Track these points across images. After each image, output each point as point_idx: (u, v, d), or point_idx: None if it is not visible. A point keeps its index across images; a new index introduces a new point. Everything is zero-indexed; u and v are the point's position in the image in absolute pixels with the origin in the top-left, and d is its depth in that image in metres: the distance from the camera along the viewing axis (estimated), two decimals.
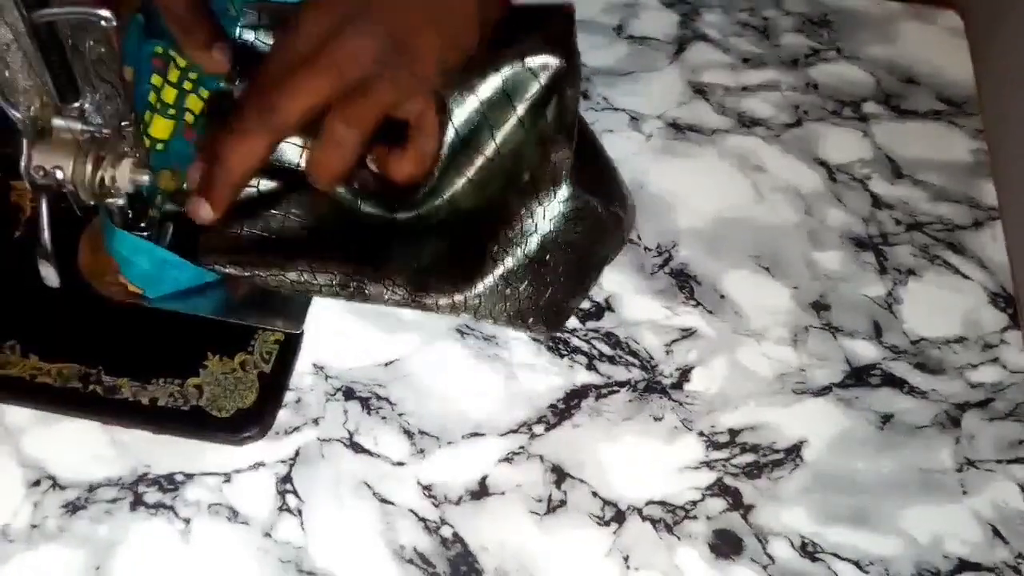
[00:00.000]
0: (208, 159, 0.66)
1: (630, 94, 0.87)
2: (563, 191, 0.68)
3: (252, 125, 0.63)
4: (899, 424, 0.73)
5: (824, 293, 0.78)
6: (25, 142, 0.58)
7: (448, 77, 0.69)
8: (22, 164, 0.58)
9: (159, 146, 0.71)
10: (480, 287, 0.69)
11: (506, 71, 0.70)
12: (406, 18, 0.67)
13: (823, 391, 0.74)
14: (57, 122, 0.59)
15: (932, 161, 0.86)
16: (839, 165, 0.85)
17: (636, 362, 0.74)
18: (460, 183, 0.72)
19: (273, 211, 0.71)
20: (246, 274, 0.68)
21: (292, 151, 0.71)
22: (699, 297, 0.77)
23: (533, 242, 0.69)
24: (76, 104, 0.58)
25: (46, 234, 0.61)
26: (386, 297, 0.69)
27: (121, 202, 0.64)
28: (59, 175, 0.58)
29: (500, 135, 0.71)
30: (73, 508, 0.65)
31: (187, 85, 0.72)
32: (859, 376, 0.74)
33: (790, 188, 0.83)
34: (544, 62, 0.70)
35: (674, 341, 0.75)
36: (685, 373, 0.74)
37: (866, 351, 0.76)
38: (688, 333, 0.75)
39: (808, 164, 0.85)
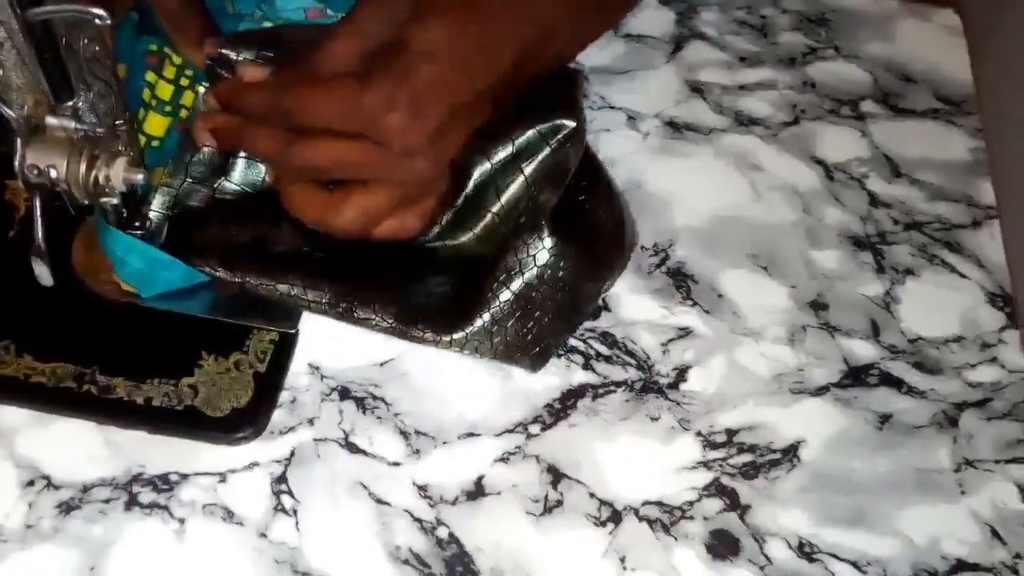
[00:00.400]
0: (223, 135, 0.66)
1: (627, 92, 0.87)
2: (546, 230, 0.69)
3: (279, 147, 0.61)
4: (897, 424, 0.73)
5: (822, 292, 0.78)
6: (19, 141, 0.58)
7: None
8: (16, 163, 0.58)
9: (154, 143, 0.71)
10: (470, 330, 0.69)
11: (518, 138, 0.70)
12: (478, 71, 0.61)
13: (821, 391, 0.73)
14: (51, 121, 0.58)
15: (930, 160, 0.86)
16: (837, 164, 0.85)
17: (633, 362, 0.73)
18: (465, 237, 0.72)
19: (270, 218, 0.70)
20: (236, 280, 0.68)
21: None
22: (696, 296, 0.77)
23: (518, 281, 0.69)
24: (70, 103, 0.58)
25: (40, 233, 0.61)
26: (374, 323, 0.69)
27: (115, 201, 0.63)
28: (53, 174, 0.58)
29: (506, 196, 0.70)
30: (67, 508, 0.65)
31: (183, 81, 0.72)
32: (857, 376, 0.74)
33: (787, 187, 0.83)
34: (555, 127, 0.69)
35: (671, 340, 0.75)
36: (682, 373, 0.73)
37: (864, 351, 0.75)
38: (685, 332, 0.75)
39: (806, 163, 0.84)
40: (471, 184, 0.71)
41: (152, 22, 0.74)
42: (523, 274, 0.69)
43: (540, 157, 0.70)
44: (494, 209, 0.71)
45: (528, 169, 0.70)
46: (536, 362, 0.71)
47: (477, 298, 0.70)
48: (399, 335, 0.70)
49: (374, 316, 0.69)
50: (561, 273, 0.70)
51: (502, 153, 0.70)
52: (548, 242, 0.69)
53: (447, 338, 0.69)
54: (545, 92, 0.73)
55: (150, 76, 0.71)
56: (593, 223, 0.73)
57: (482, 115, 0.64)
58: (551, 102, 0.72)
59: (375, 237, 0.67)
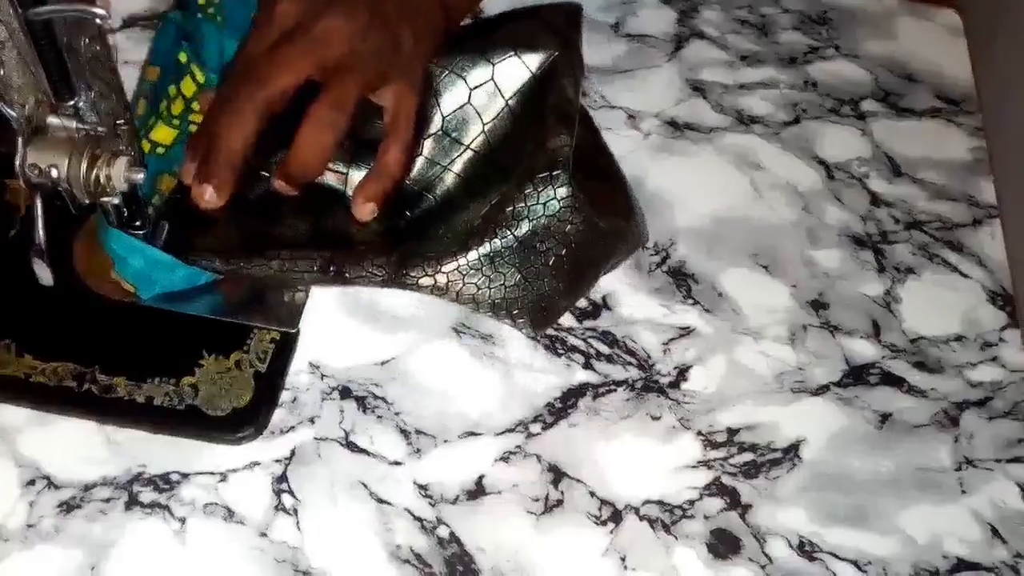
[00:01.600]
0: (199, 146, 0.68)
1: (628, 92, 0.87)
2: (560, 179, 0.67)
3: (240, 101, 0.67)
4: (898, 423, 0.73)
5: (823, 291, 0.78)
6: (20, 140, 0.58)
7: (425, 59, 0.72)
8: (17, 162, 0.58)
9: (159, 149, 0.72)
10: (463, 260, 0.68)
11: (497, 59, 0.70)
12: (380, 3, 0.70)
13: (821, 390, 0.73)
14: (52, 120, 0.58)
15: (931, 159, 0.86)
16: (838, 163, 0.85)
17: (633, 361, 0.73)
18: (450, 180, 0.72)
19: (267, 217, 0.71)
20: (230, 266, 0.69)
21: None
22: (697, 295, 0.77)
23: (524, 226, 0.68)
24: (71, 102, 0.58)
25: (41, 233, 0.61)
26: (366, 274, 0.68)
27: (116, 200, 0.63)
28: (54, 173, 0.58)
29: (490, 126, 0.71)
30: (68, 508, 0.65)
31: (195, 105, 0.73)
32: (858, 375, 0.74)
33: (788, 186, 0.83)
34: (535, 52, 0.70)
35: (672, 340, 0.75)
36: (683, 372, 0.73)
37: (865, 350, 0.75)
38: (686, 332, 0.75)
39: (806, 162, 0.84)
40: (450, 110, 0.71)
41: (193, 23, 0.74)
42: (529, 220, 0.67)
43: (522, 85, 0.70)
44: (477, 146, 0.71)
45: (512, 99, 0.70)
46: (538, 321, 0.70)
47: (475, 232, 0.68)
48: (394, 283, 0.68)
49: (364, 272, 0.68)
50: (569, 228, 0.68)
51: (480, 76, 0.70)
52: (562, 191, 0.67)
53: (442, 275, 0.68)
54: (534, 20, 0.74)
55: (172, 89, 0.72)
56: (605, 198, 0.72)
57: None
58: (538, 29, 0.72)
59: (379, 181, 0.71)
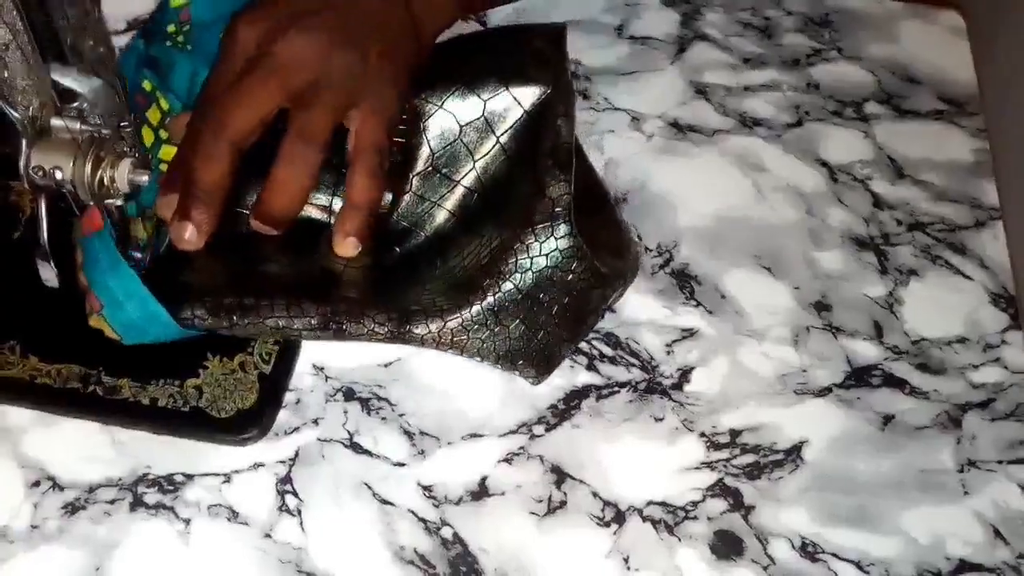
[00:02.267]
0: (174, 180, 0.66)
1: (631, 94, 0.87)
2: (562, 228, 0.67)
3: (211, 140, 0.64)
4: (900, 424, 0.73)
5: (825, 293, 0.78)
6: (24, 142, 0.58)
7: (395, 78, 0.69)
8: (21, 164, 0.58)
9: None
10: (467, 315, 0.66)
11: (487, 95, 0.69)
12: (344, 19, 0.67)
13: (824, 391, 0.74)
14: (56, 122, 0.59)
15: (933, 161, 0.86)
16: (840, 165, 0.85)
17: (636, 362, 0.73)
18: (441, 217, 0.71)
19: (249, 254, 0.70)
20: (224, 324, 0.66)
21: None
22: (700, 297, 0.77)
23: (528, 278, 0.67)
24: (75, 104, 0.58)
25: (45, 234, 0.61)
26: (367, 331, 0.66)
27: (120, 202, 0.64)
28: (58, 175, 0.58)
29: (481, 163, 0.70)
30: (73, 509, 0.65)
31: (163, 134, 0.71)
32: (860, 376, 0.74)
33: (791, 188, 0.83)
34: (527, 88, 0.69)
35: (675, 341, 0.75)
36: (686, 373, 0.73)
37: (867, 351, 0.76)
38: (689, 333, 0.75)
39: (809, 164, 0.84)
40: (439, 144, 0.69)
41: (158, 49, 0.73)
42: (531, 271, 0.67)
43: (515, 123, 0.69)
44: (468, 183, 0.70)
45: (503, 136, 0.69)
46: (541, 371, 0.70)
47: (476, 285, 0.67)
48: (398, 339, 0.67)
49: (366, 329, 0.66)
50: (571, 277, 0.68)
51: (470, 111, 0.69)
52: (564, 242, 0.67)
53: (446, 328, 0.66)
54: (521, 47, 0.72)
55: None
56: (599, 235, 0.72)
57: None
58: (526, 61, 0.71)
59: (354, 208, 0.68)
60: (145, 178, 0.62)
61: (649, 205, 0.80)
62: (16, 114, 0.57)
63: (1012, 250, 0.81)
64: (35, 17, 0.53)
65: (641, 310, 0.75)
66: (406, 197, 0.71)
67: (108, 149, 0.60)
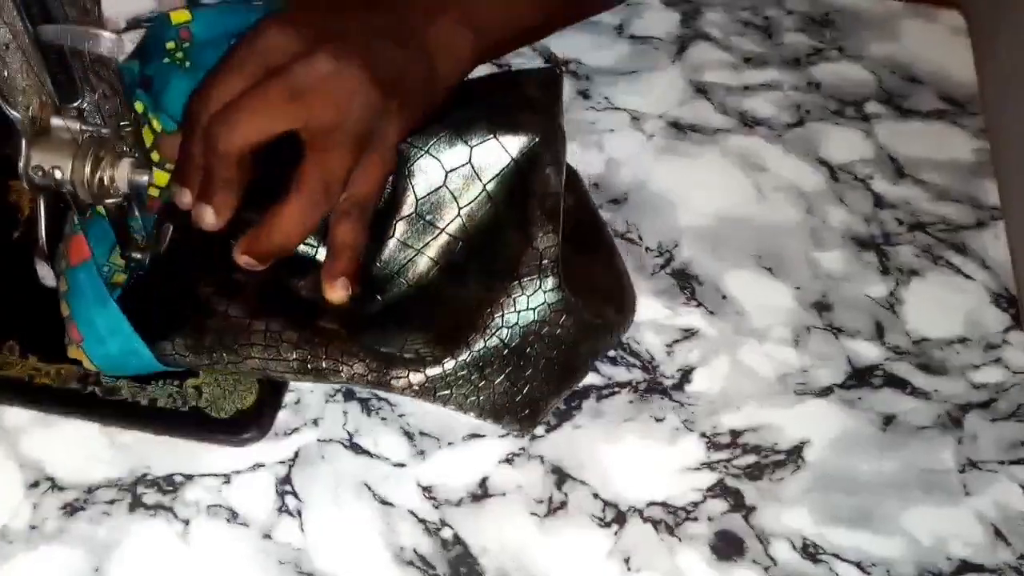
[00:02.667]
0: (187, 173, 0.65)
1: (632, 93, 0.87)
2: (549, 281, 0.65)
3: (220, 144, 0.62)
4: (901, 425, 0.72)
5: (826, 293, 0.78)
6: (24, 142, 0.58)
7: (400, 134, 0.67)
8: (21, 164, 0.58)
9: None
10: (450, 367, 0.64)
11: (475, 142, 0.68)
12: (377, 55, 0.65)
13: (825, 392, 0.73)
14: (56, 122, 0.58)
15: (934, 161, 0.86)
16: (841, 165, 0.85)
17: (637, 363, 0.73)
18: (424, 265, 0.69)
19: (233, 287, 0.68)
20: (205, 362, 0.65)
21: None
22: (700, 297, 0.77)
23: (514, 332, 0.65)
24: (75, 104, 0.58)
25: (44, 234, 0.61)
26: (346, 377, 0.64)
27: (119, 201, 0.63)
28: (58, 175, 0.58)
29: (467, 211, 0.68)
30: (72, 509, 0.65)
31: (155, 156, 0.70)
32: (861, 377, 0.74)
33: (792, 188, 0.83)
34: (515, 136, 0.67)
35: (675, 341, 0.75)
36: (686, 374, 0.73)
37: (868, 351, 0.75)
38: (689, 333, 0.75)
39: (810, 164, 0.84)
40: (424, 191, 0.68)
41: (153, 69, 0.72)
42: (518, 325, 0.65)
43: (502, 171, 0.67)
44: (453, 230, 0.68)
45: (490, 183, 0.67)
46: (525, 425, 0.67)
47: (460, 337, 0.65)
48: (377, 384, 0.65)
49: (345, 374, 0.64)
50: (560, 331, 0.66)
51: (455, 157, 0.68)
52: (552, 296, 0.65)
53: (426, 377, 0.64)
54: (511, 95, 0.71)
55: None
56: (593, 278, 0.70)
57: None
58: (516, 108, 0.69)
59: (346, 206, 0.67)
60: (145, 178, 0.62)
61: (649, 205, 0.80)
62: (16, 114, 0.57)
63: (1013, 250, 0.81)
64: (35, 17, 0.53)
65: (642, 310, 0.75)
66: (389, 243, 0.69)
67: (108, 149, 0.60)
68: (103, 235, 0.67)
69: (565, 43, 0.87)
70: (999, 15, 0.94)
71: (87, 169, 0.59)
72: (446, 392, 0.65)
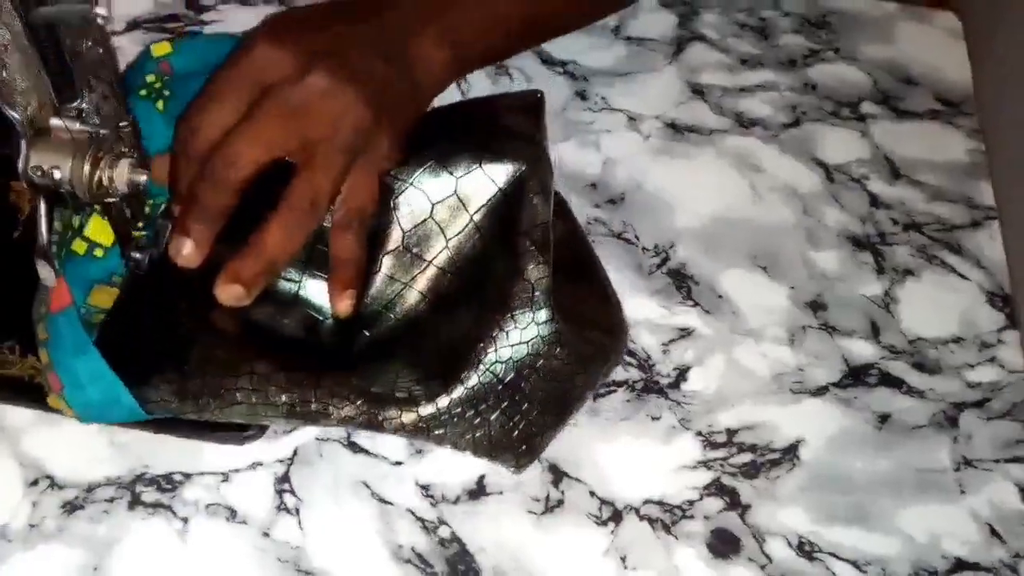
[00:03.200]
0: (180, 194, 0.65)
1: (628, 94, 0.87)
2: (542, 314, 0.64)
3: (218, 173, 0.63)
4: (896, 424, 0.73)
5: (821, 293, 0.78)
6: (23, 142, 0.58)
7: (393, 148, 0.67)
8: (20, 164, 0.58)
9: (97, 251, 0.68)
10: (444, 405, 0.63)
11: (460, 173, 0.67)
12: (367, 73, 0.66)
13: (820, 391, 0.74)
14: (55, 122, 0.58)
15: (930, 161, 0.86)
16: (837, 165, 0.85)
17: (633, 362, 0.74)
18: (412, 298, 0.68)
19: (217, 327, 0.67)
20: (190, 409, 0.64)
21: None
22: (697, 297, 0.77)
23: (508, 367, 0.64)
24: (74, 104, 0.58)
25: (44, 234, 0.61)
26: (334, 417, 0.63)
27: (118, 201, 0.63)
28: (57, 175, 0.58)
29: (455, 243, 0.67)
30: (71, 508, 0.65)
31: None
32: (856, 376, 0.75)
33: (788, 188, 0.83)
34: (501, 166, 0.67)
35: (671, 341, 0.75)
36: (682, 373, 0.74)
37: (863, 351, 0.76)
38: (686, 333, 0.75)
39: (806, 164, 0.85)
40: (410, 223, 0.67)
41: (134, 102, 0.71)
42: (512, 360, 0.64)
43: (489, 201, 0.66)
44: (441, 262, 0.67)
45: (477, 214, 0.67)
46: (522, 460, 0.66)
47: (452, 374, 0.64)
48: (368, 424, 0.64)
49: (336, 417, 0.64)
50: (555, 363, 0.65)
51: (440, 189, 0.67)
52: (545, 328, 0.64)
53: (423, 421, 0.63)
54: (495, 120, 0.70)
55: None
56: (585, 307, 0.70)
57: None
58: (500, 136, 0.68)
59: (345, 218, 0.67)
60: (144, 178, 0.62)
61: (646, 205, 0.81)
62: (15, 114, 0.57)
63: (1008, 250, 0.81)
64: (33, 17, 0.53)
65: (638, 309, 0.75)
66: (376, 278, 0.68)
67: (107, 149, 0.60)
68: (79, 277, 0.66)
69: (562, 44, 0.87)
70: (994, 17, 0.94)
71: (86, 169, 0.59)
72: (440, 431, 0.64)
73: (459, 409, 0.64)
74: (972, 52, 0.93)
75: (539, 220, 0.66)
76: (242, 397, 0.63)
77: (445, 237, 0.68)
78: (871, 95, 0.90)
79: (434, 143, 0.69)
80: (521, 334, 0.64)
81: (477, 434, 0.64)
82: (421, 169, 0.67)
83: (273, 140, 0.63)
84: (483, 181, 0.67)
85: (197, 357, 0.64)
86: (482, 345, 0.64)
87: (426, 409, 0.63)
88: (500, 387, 0.64)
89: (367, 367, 0.65)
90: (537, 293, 0.64)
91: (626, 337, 0.72)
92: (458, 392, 0.64)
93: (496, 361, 0.64)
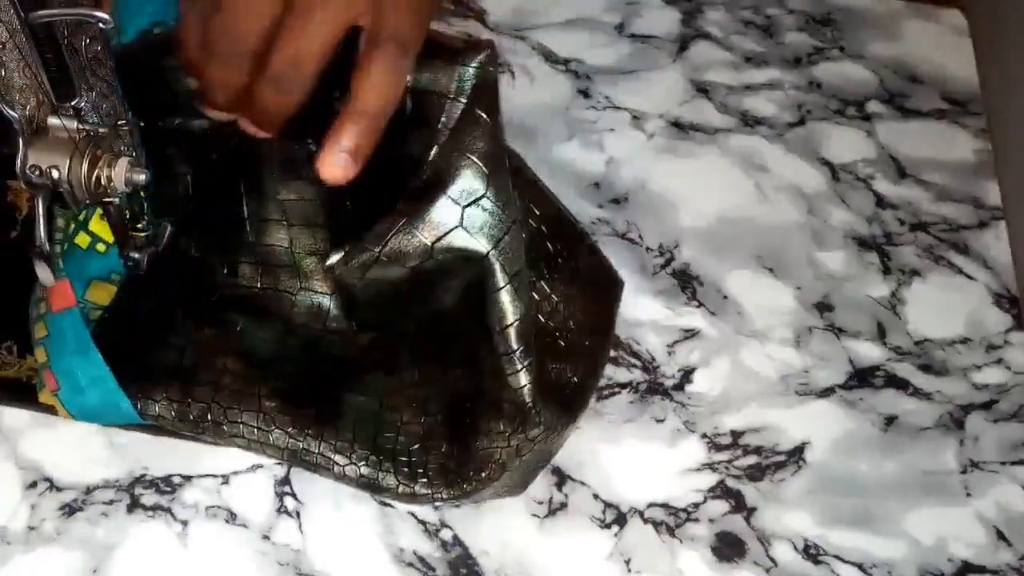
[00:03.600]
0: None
1: (632, 93, 0.87)
2: (534, 432, 0.61)
3: (286, 76, 0.53)
4: (903, 426, 0.72)
5: (827, 293, 0.78)
6: (21, 141, 0.58)
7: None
8: (18, 163, 0.58)
9: (99, 246, 0.67)
10: (444, 495, 0.62)
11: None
12: None
13: (826, 392, 0.73)
14: (53, 121, 0.58)
15: (936, 161, 0.85)
16: (842, 165, 0.84)
17: (638, 363, 0.73)
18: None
19: (233, 326, 0.66)
20: (187, 430, 0.63)
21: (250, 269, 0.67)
22: (701, 297, 0.77)
23: (513, 445, 0.61)
24: (72, 103, 0.58)
25: (42, 234, 0.61)
26: (334, 470, 0.63)
27: (117, 200, 0.63)
28: (55, 174, 0.58)
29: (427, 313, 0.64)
30: (70, 510, 0.65)
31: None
32: (862, 377, 0.74)
33: (793, 188, 0.83)
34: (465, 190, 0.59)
35: (676, 342, 0.74)
36: (687, 374, 0.73)
37: (870, 352, 0.75)
38: (690, 334, 0.75)
39: (811, 163, 0.84)
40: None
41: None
42: (509, 462, 0.61)
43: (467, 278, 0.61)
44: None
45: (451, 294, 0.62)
46: (519, 486, 0.66)
47: (458, 479, 0.62)
48: (368, 489, 0.63)
49: (335, 468, 0.63)
50: (555, 447, 0.64)
51: (416, 253, 0.59)
52: (535, 432, 0.61)
53: (418, 496, 0.62)
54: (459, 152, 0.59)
55: None
56: (578, 301, 0.67)
57: None
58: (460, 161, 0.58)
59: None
60: (143, 177, 0.62)
61: (650, 205, 0.80)
62: (13, 113, 0.57)
63: (1015, 250, 0.81)
64: (33, 19, 0.53)
65: (642, 310, 0.75)
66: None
67: (105, 148, 0.60)
68: (78, 272, 0.66)
69: (565, 42, 0.87)
70: (1001, 15, 0.93)
71: (84, 168, 0.59)
72: (442, 495, 0.63)
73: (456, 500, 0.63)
74: (978, 50, 0.92)
75: (510, 320, 0.59)
76: (244, 432, 0.63)
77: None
78: (877, 94, 0.89)
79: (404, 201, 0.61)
80: (509, 439, 0.61)
81: (487, 493, 0.64)
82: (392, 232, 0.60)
83: (338, 10, 0.53)
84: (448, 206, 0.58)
85: (205, 380, 0.64)
86: (484, 459, 0.62)
87: (423, 491, 0.62)
88: (497, 476, 0.62)
89: (370, 419, 0.64)
90: (525, 404, 0.60)
91: (584, 409, 0.67)
92: (460, 492, 0.62)
93: (497, 469, 0.62)
